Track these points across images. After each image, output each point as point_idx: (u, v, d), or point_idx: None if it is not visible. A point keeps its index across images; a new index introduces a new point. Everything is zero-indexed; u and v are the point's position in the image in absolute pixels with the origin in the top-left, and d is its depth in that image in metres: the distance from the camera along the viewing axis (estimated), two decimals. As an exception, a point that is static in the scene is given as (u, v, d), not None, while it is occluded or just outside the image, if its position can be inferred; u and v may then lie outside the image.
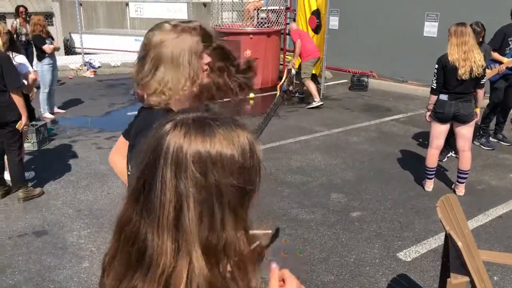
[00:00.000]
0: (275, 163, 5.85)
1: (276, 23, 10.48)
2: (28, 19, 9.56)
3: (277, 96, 2.70)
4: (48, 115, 7.70)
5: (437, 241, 4.09)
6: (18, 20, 9.71)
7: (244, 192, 0.82)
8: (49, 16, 21.16)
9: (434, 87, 4.75)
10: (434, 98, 4.79)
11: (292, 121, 7.90)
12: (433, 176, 5.08)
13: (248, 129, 0.86)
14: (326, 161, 6.06)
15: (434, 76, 4.72)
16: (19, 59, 4.86)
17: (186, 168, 0.77)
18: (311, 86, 8.67)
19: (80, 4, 20.84)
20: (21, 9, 9.56)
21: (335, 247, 4.04)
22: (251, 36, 10.00)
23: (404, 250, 3.99)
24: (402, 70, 10.21)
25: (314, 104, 8.67)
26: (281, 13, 10.60)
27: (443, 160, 5.88)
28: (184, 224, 0.77)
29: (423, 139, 6.61)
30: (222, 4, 10.70)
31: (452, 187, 5.13)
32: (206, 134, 0.80)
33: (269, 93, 10.07)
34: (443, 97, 4.69)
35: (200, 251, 0.77)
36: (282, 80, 2.73)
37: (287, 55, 11.28)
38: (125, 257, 0.82)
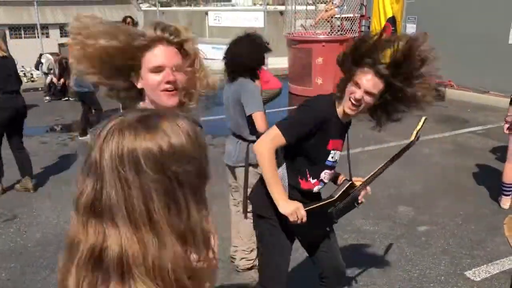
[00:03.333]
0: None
1: (350, 30, 10.36)
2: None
3: (409, 141, 2.68)
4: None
5: (511, 262, 3.84)
6: None
7: (199, 176, 0.88)
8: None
9: (514, 98, 4.47)
10: (513, 109, 4.51)
11: (362, 129, 7.73)
12: (510, 193, 4.77)
13: (188, 118, 0.91)
14: (395, 172, 5.88)
15: (514, 87, 4.44)
16: None
17: (142, 166, 0.82)
18: None
19: (163, 13, 21.84)
20: (128, 20, 10.12)
21: (399, 261, 3.92)
22: (323, 44, 9.96)
23: (473, 269, 3.78)
24: (484, 80, 9.66)
25: None
26: (355, 21, 10.46)
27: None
28: (155, 216, 0.83)
29: (502, 153, 6.20)
30: (295, 12, 10.75)
31: (533, 205, 4.79)
32: (152, 130, 0.84)
33: (340, 101, 9.98)
34: (523, 109, 4.41)
35: (175, 237, 0.84)
36: (419, 127, 2.67)
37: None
38: (90, 269, 0.84)
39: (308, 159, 2.42)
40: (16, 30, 14.48)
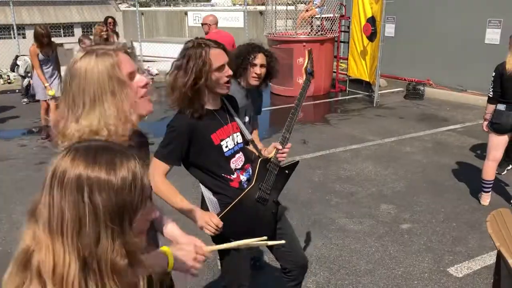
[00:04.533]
0: (324, 171, 5.80)
1: (330, 30, 10.43)
2: (116, 30, 10.00)
3: (304, 79, 2.70)
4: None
5: (492, 258, 3.89)
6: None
7: (122, 213, 0.94)
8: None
9: (491, 96, 4.56)
10: (491, 107, 4.59)
11: (343, 129, 7.81)
12: (489, 189, 4.86)
13: (135, 161, 0.98)
14: (377, 171, 5.94)
15: (491, 85, 4.53)
16: None
17: (66, 187, 0.91)
18: None
19: (142, 14, 21.69)
20: (110, 20, 9.99)
21: (383, 259, 3.95)
22: (304, 44, 10.00)
23: (455, 266, 3.84)
24: (461, 78, 9.83)
25: None
26: (335, 21, 10.54)
27: (502, 173, 5.62)
28: (65, 233, 0.91)
29: (481, 150, 6.33)
30: (276, 12, 10.76)
31: (511, 201, 4.89)
32: (89, 160, 0.93)
33: (321, 100, 10.03)
34: (501, 107, 4.49)
35: (77, 258, 0.91)
36: (305, 63, 2.70)
37: (340, 62, 11.18)
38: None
39: (211, 166, 2.37)
40: (-8, 31, 14.16)
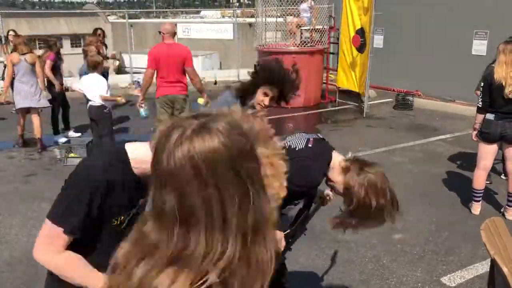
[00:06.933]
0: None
1: (320, 42, 10.50)
2: (104, 41, 9.96)
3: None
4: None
5: (484, 266, 3.91)
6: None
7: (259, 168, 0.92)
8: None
9: (480, 106, 4.61)
10: (480, 117, 4.64)
11: (333, 140, 7.75)
12: (480, 198, 4.89)
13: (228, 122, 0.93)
14: (368, 181, 5.95)
15: (480, 94, 4.58)
16: None
17: (216, 168, 0.84)
18: None
19: (131, 25, 21.70)
20: (99, 31, 9.96)
21: (376, 269, 3.95)
22: (294, 55, 10.06)
23: (448, 275, 3.84)
24: (450, 89, 9.94)
25: None
26: (324, 33, 10.62)
27: (492, 182, 5.66)
28: (229, 217, 0.86)
29: (471, 160, 6.36)
30: (266, 24, 10.83)
31: (502, 210, 4.92)
32: (210, 135, 0.86)
33: (311, 111, 10.07)
34: (490, 116, 4.54)
35: (241, 234, 0.86)
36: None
37: (330, 73, 11.26)
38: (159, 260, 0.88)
39: None
40: (-21, 42, 14.03)
